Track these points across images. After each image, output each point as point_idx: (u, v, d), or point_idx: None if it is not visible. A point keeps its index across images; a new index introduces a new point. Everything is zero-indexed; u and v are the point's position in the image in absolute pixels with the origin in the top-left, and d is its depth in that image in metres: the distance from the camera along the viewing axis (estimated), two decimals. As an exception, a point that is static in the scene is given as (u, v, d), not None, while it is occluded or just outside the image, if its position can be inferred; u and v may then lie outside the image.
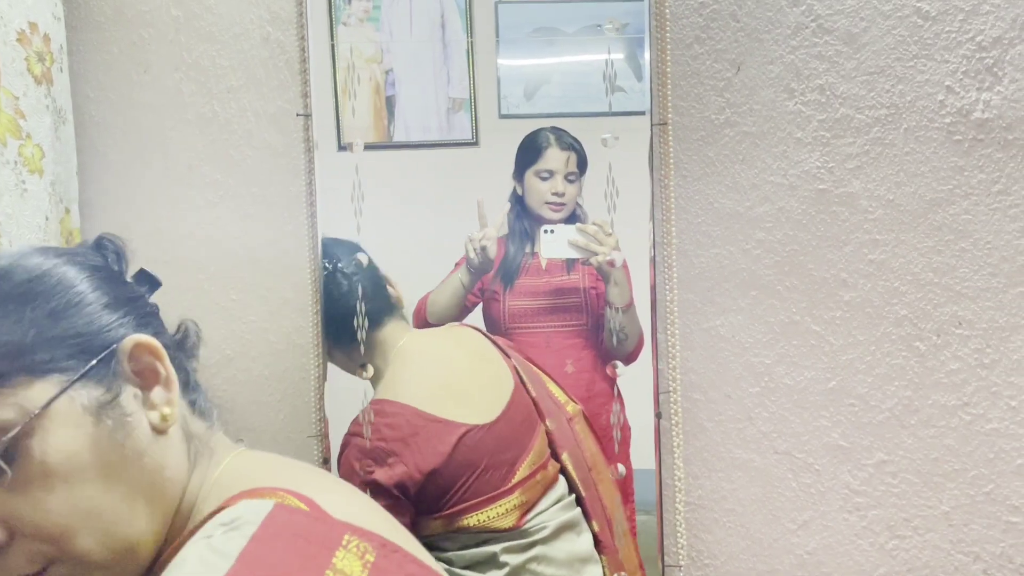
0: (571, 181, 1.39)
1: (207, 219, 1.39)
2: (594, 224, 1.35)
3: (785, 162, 1.32)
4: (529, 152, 1.40)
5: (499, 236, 1.38)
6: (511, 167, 1.39)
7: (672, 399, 1.28)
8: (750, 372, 1.34)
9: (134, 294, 0.79)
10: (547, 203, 1.39)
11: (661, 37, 1.26)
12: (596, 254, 1.34)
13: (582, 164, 1.41)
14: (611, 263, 1.30)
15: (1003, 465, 1.31)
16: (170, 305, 1.40)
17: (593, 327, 1.38)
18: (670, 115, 1.28)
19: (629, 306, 1.34)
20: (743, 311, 1.34)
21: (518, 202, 1.41)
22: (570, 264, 1.40)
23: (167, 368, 0.73)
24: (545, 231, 1.36)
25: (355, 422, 1.27)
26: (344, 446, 1.28)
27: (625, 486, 1.36)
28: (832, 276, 1.32)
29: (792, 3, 1.30)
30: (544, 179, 1.39)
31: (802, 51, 1.31)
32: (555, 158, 1.38)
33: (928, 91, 1.30)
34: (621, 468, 1.33)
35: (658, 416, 1.28)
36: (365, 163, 1.31)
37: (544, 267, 1.38)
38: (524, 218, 1.41)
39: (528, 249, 1.39)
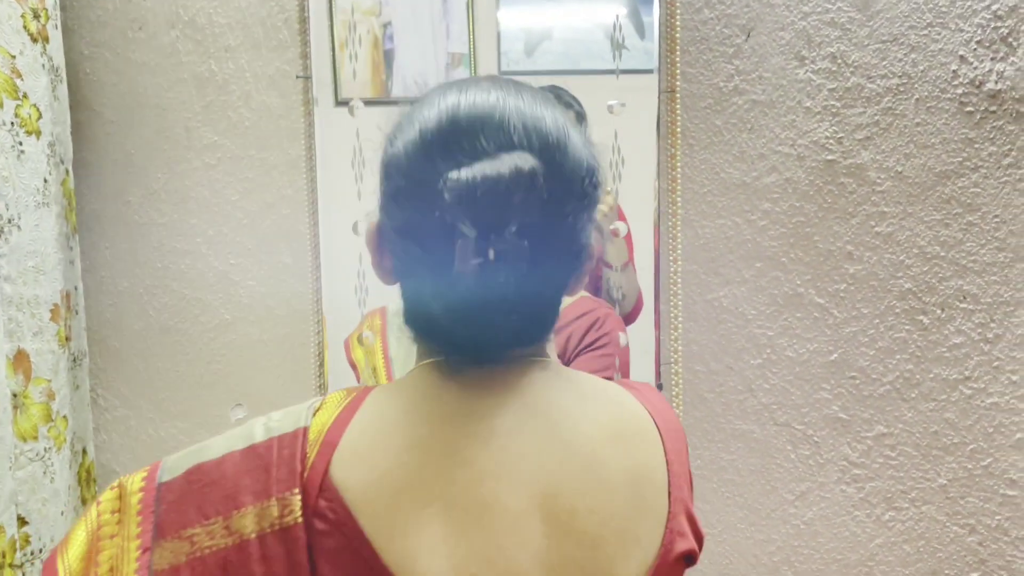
0: None
1: (204, 181, 1.36)
2: None
3: (794, 132, 1.29)
4: None
5: None
6: None
7: (673, 370, 1.28)
8: (752, 344, 1.33)
9: None
10: None
11: (671, 2, 1.23)
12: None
13: (581, 123, 1.39)
14: (615, 232, 1.29)
15: (1002, 439, 1.31)
16: (167, 269, 1.39)
17: (591, 291, 1.37)
18: (678, 82, 1.26)
19: (626, 265, 1.32)
20: (747, 282, 1.32)
21: None
22: None
23: None
24: None
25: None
26: None
27: (623, 355, 1.35)
28: (838, 248, 1.31)
29: (805, -33, 1.27)
30: None
31: (814, 17, 1.28)
32: None
33: (941, 60, 1.27)
34: (623, 337, 1.33)
35: (659, 387, 1.27)
36: (362, 121, 1.28)
37: None
38: None
39: None
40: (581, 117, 1.46)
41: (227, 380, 1.39)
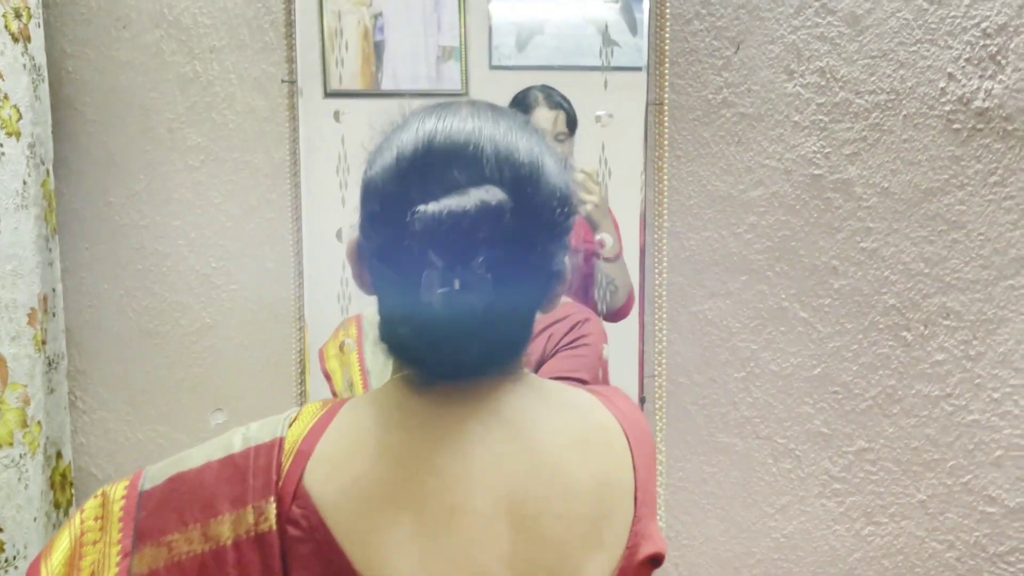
0: (560, 141, 1.36)
1: (187, 183, 1.35)
2: (581, 172, 1.33)
3: (781, 145, 1.29)
4: (518, 111, 1.36)
5: None
6: None
7: (657, 383, 1.28)
8: (736, 357, 1.33)
9: None
10: None
11: (661, 13, 1.22)
12: (584, 203, 1.32)
13: (572, 124, 1.38)
14: (600, 244, 1.28)
15: (982, 456, 1.32)
16: (148, 271, 1.37)
17: (578, 290, 1.37)
18: (667, 94, 1.25)
19: (618, 256, 1.32)
20: (732, 295, 1.32)
21: None
22: None
23: None
24: None
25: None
26: None
27: (605, 366, 1.35)
28: (823, 263, 1.31)
29: (796, -19, 1.26)
30: None
31: (804, 31, 1.27)
32: (544, 117, 1.35)
33: (930, 77, 1.27)
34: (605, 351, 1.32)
35: (642, 401, 1.27)
36: (349, 127, 1.27)
37: None
38: None
39: None
40: (572, 119, 1.46)
41: (207, 384, 1.38)
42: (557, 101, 1.39)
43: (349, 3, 1.28)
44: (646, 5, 1.24)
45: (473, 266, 0.60)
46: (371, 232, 0.67)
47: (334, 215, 1.30)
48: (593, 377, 1.29)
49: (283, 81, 1.27)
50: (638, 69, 1.27)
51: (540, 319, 0.72)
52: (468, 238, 0.60)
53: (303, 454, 0.64)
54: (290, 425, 0.66)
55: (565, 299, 1.33)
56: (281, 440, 0.65)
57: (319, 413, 0.67)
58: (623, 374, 1.29)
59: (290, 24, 1.24)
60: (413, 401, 0.67)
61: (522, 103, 1.39)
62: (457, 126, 0.65)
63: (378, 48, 1.31)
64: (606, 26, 1.27)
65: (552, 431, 0.67)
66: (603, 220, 1.32)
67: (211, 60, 1.33)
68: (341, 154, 1.25)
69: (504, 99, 1.36)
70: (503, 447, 0.65)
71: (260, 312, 1.36)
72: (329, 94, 1.31)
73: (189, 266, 1.36)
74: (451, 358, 0.66)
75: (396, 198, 0.64)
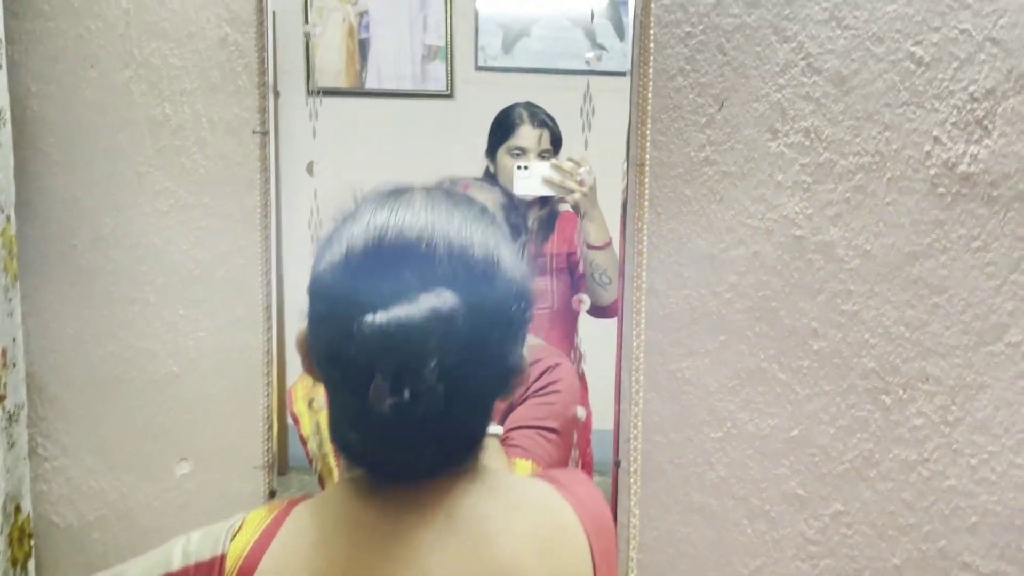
0: (545, 159, 1.34)
1: (155, 228, 1.31)
2: (570, 160, 1.31)
3: (763, 205, 1.27)
4: (501, 129, 1.35)
5: None
6: (486, 123, 1.34)
7: (632, 446, 1.25)
8: (713, 417, 1.31)
9: None
10: None
11: (644, 73, 1.19)
12: (572, 191, 1.30)
13: (556, 141, 1.36)
14: (578, 303, 1.26)
15: (957, 522, 1.31)
16: (113, 317, 1.34)
17: (559, 309, 1.35)
18: (648, 152, 1.22)
19: (608, 244, 1.30)
20: (710, 355, 1.30)
21: (490, 181, 1.37)
22: (540, 239, 1.36)
23: None
24: (519, 167, 1.31)
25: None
26: None
27: (584, 430, 1.33)
28: (803, 325, 1.29)
29: (782, 39, 1.24)
30: (516, 156, 1.34)
31: (789, 90, 1.25)
32: (528, 135, 1.34)
33: (915, 140, 1.25)
34: (581, 411, 1.30)
35: (617, 465, 1.25)
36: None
37: None
38: None
39: None
40: (557, 137, 1.43)
41: (173, 434, 1.34)
42: (542, 119, 1.37)
43: (334, 0, 1.26)
44: (631, 6, 1.21)
45: (424, 375, 0.58)
46: (318, 331, 0.64)
47: (306, 264, 1.27)
48: (563, 425, 1.26)
49: (254, 132, 1.24)
50: (623, 74, 1.24)
51: None
52: (418, 348, 0.58)
53: (247, 572, 0.62)
54: (233, 537, 0.64)
55: (537, 341, 1.31)
56: (223, 557, 0.63)
57: (264, 523, 0.65)
58: (599, 441, 1.27)
59: (263, 73, 1.21)
60: (363, 508, 0.65)
61: (505, 121, 1.37)
62: (410, 220, 0.63)
63: (363, 46, 1.29)
64: (593, 30, 1.26)
65: (510, 535, 0.65)
66: (591, 209, 1.30)
67: (182, 103, 1.29)
68: (313, 208, 1.22)
69: (489, 100, 1.34)
70: (458, 556, 0.63)
71: (228, 361, 1.33)
72: (311, 92, 1.29)
73: (156, 313, 1.33)
74: (402, 463, 0.64)
75: (344, 300, 0.61)
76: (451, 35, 1.30)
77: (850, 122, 1.25)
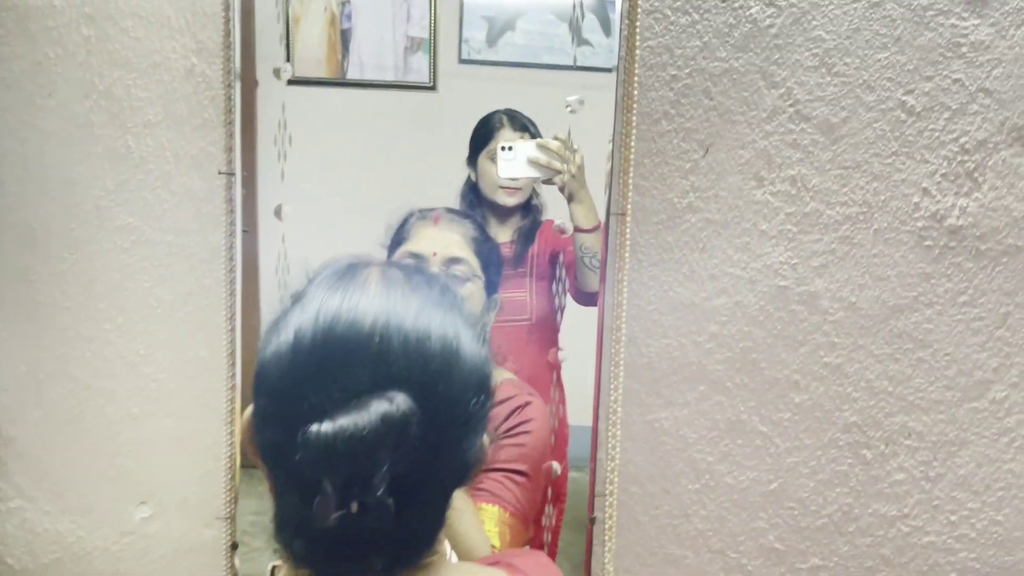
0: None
1: (115, 265, 1.26)
2: (556, 139, 1.27)
3: (747, 254, 1.23)
4: (481, 135, 1.31)
5: None
6: (469, 117, 1.30)
7: (608, 502, 1.22)
8: (691, 468, 1.28)
9: None
10: (501, 187, 1.31)
11: (627, 120, 1.15)
12: (559, 172, 1.26)
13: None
14: (556, 353, 1.22)
15: (936, 579, 1.29)
16: (70, 355, 1.28)
17: (538, 320, 1.32)
18: (630, 198, 1.18)
19: (597, 227, 1.26)
20: (689, 405, 1.27)
21: (471, 190, 1.33)
22: (519, 250, 1.33)
23: None
24: (503, 148, 1.27)
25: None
26: None
27: (559, 486, 1.30)
28: (784, 377, 1.25)
29: (770, 85, 1.20)
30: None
31: (776, 137, 1.21)
32: (508, 138, 1.30)
33: (904, 191, 1.22)
34: (556, 466, 1.27)
35: (592, 521, 1.22)
36: (289, 225, 1.20)
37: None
38: (478, 207, 1.32)
39: None
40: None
41: (132, 476, 1.30)
42: (522, 123, 1.33)
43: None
44: (618, 9, 1.17)
45: (373, 485, 0.54)
46: (263, 429, 0.60)
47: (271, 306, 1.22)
48: (532, 467, 1.23)
49: (220, 173, 1.18)
50: (609, 70, 1.21)
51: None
52: (367, 458, 0.54)
53: None
54: None
55: (508, 376, 1.27)
56: None
57: None
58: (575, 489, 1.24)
59: (230, 111, 1.15)
60: None
61: (485, 126, 1.33)
62: (363, 307, 0.58)
63: (345, 36, 1.25)
64: (579, 26, 1.22)
65: None
66: (579, 190, 1.26)
67: (145, 135, 1.23)
68: (281, 252, 1.17)
69: (473, 94, 1.31)
70: None
71: (190, 403, 1.28)
72: (291, 81, 1.25)
73: (116, 352, 1.27)
74: (351, 571, 0.60)
75: (289, 401, 0.57)
76: (435, 27, 1.26)
77: (838, 171, 1.21)
